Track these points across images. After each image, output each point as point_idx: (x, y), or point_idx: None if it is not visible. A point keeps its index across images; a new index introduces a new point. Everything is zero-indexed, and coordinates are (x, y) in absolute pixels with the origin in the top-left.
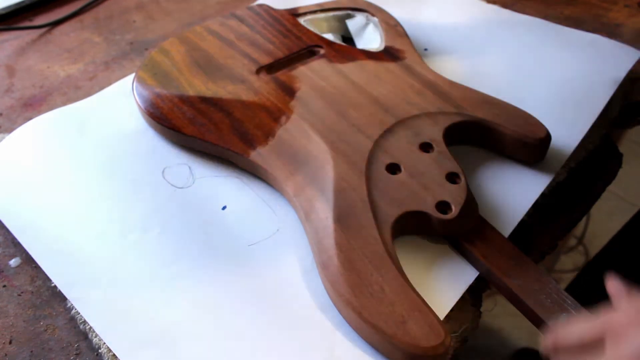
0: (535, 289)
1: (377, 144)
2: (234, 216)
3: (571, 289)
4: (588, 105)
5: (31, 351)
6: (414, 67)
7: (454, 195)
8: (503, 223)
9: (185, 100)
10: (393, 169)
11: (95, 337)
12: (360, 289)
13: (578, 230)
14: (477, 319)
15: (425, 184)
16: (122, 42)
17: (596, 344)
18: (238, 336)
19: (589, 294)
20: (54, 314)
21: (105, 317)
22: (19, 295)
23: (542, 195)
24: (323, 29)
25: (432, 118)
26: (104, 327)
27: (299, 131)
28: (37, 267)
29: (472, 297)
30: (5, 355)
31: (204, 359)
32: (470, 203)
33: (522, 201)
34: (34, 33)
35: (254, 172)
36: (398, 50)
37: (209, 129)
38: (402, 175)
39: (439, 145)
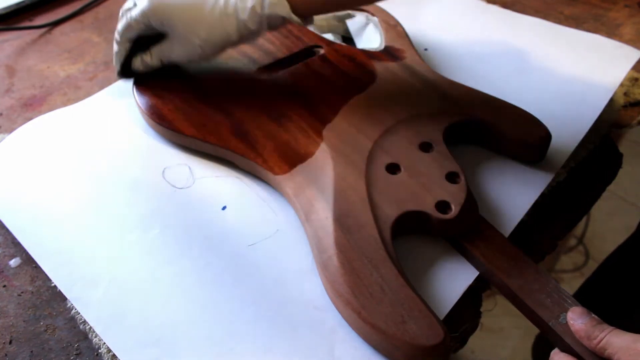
0: (535, 289)
1: (376, 143)
2: (234, 216)
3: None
4: (588, 105)
5: (31, 351)
6: (414, 67)
7: (454, 195)
8: (503, 223)
9: (185, 100)
10: (393, 169)
11: (95, 337)
12: (360, 289)
13: (578, 230)
14: (477, 319)
15: (425, 183)
16: None
17: None
18: (238, 336)
19: (593, 300)
20: (54, 314)
21: (105, 317)
22: (19, 295)
23: (542, 195)
24: (323, 29)
25: (432, 118)
26: (104, 327)
27: (299, 131)
28: (37, 267)
29: (472, 297)
30: (5, 355)
31: (204, 359)
32: (470, 203)
33: (522, 201)
34: (34, 33)
35: (254, 173)
36: (398, 50)
37: (209, 129)
38: (402, 175)
39: (439, 145)
